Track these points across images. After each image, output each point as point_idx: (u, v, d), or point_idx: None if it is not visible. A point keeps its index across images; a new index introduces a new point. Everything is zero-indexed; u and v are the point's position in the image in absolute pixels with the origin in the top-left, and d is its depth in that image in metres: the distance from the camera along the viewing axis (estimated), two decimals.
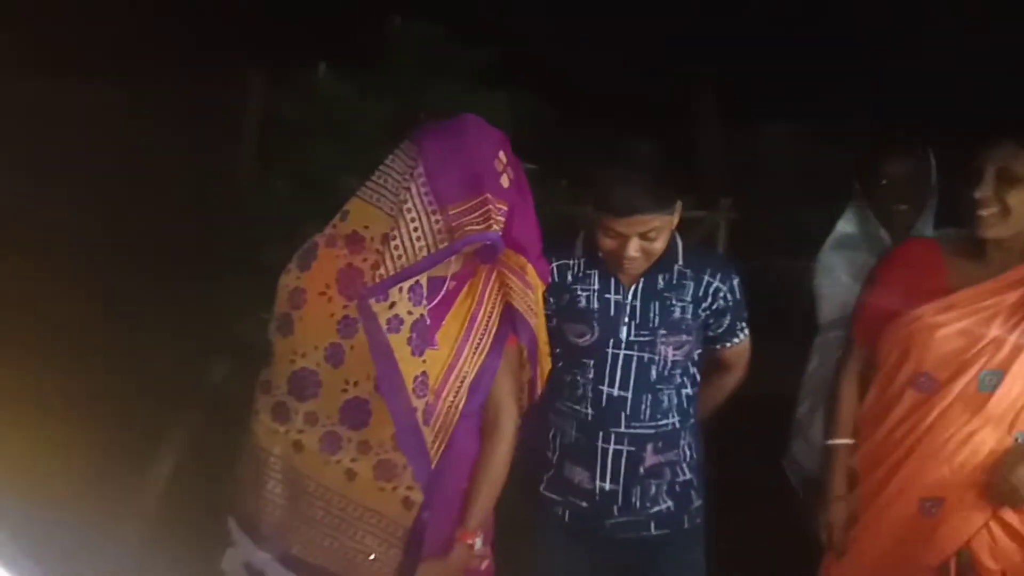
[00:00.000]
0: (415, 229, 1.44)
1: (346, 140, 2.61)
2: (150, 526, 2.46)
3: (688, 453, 1.82)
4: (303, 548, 1.50)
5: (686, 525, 1.82)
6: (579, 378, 1.76)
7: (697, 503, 1.84)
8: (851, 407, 1.80)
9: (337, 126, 2.64)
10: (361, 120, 2.64)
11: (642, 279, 1.76)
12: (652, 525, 1.78)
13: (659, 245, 1.69)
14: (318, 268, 1.49)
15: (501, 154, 1.49)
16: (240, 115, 3.21)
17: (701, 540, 1.86)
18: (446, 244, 1.43)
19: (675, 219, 1.70)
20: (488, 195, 1.44)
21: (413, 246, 1.43)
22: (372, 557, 1.50)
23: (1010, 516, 1.66)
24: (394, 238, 1.44)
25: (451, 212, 1.43)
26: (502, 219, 1.47)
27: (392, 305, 1.44)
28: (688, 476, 1.82)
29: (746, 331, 1.86)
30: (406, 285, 1.45)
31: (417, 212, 1.44)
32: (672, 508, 1.79)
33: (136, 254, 2.81)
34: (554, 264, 1.79)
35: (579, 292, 1.77)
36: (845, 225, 2.09)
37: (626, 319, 1.75)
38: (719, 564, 1.90)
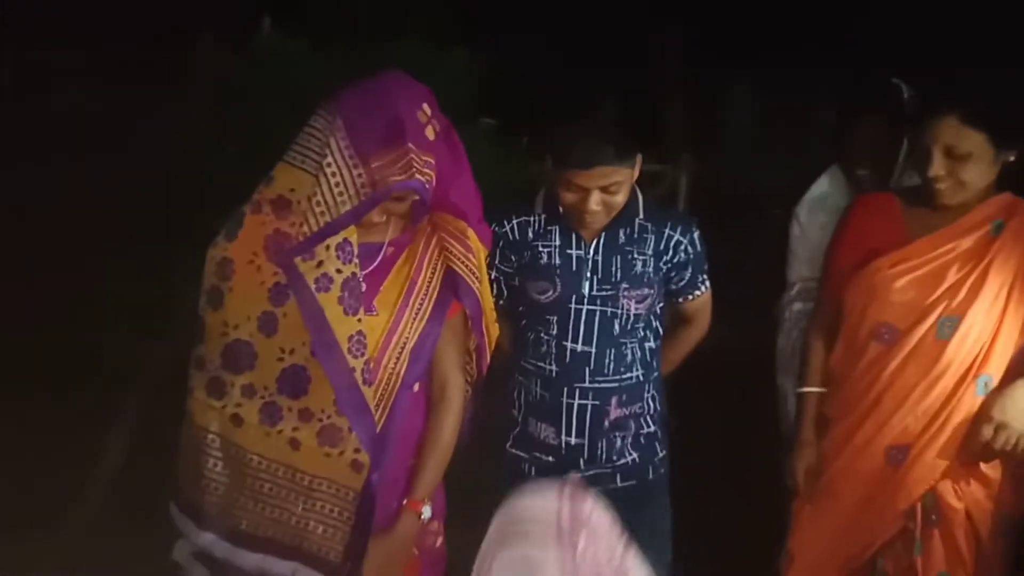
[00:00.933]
0: (336, 184, 1.39)
1: (298, 102, 2.54)
2: (98, 516, 2.43)
3: (652, 405, 1.83)
4: (251, 523, 1.48)
5: (651, 476, 1.83)
6: (542, 335, 1.76)
7: (661, 454, 1.86)
8: (820, 357, 1.83)
9: (287, 87, 2.54)
10: (312, 80, 2.56)
11: (603, 233, 1.74)
12: (618, 477, 1.80)
13: (620, 199, 1.67)
14: (244, 236, 1.44)
15: (425, 106, 1.44)
16: (189, 77, 3.08)
17: (666, 490, 1.88)
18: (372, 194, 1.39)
19: (636, 172, 1.68)
20: (410, 145, 1.39)
21: (335, 201, 1.39)
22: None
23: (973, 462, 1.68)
24: (315, 194, 1.39)
25: (373, 165, 1.38)
26: (429, 172, 1.43)
27: (319, 264, 1.40)
28: (652, 428, 1.83)
29: (707, 284, 1.86)
30: (333, 243, 1.40)
31: (338, 167, 1.39)
32: (637, 460, 1.81)
33: (80, 221, 2.70)
34: (515, 221, 1.77)
35: (540, 249, 1.76)
36: (820, 185, 2.09)
37: (588, 274, 1.74)
38: (684, 512, 1.91)
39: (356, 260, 1.43)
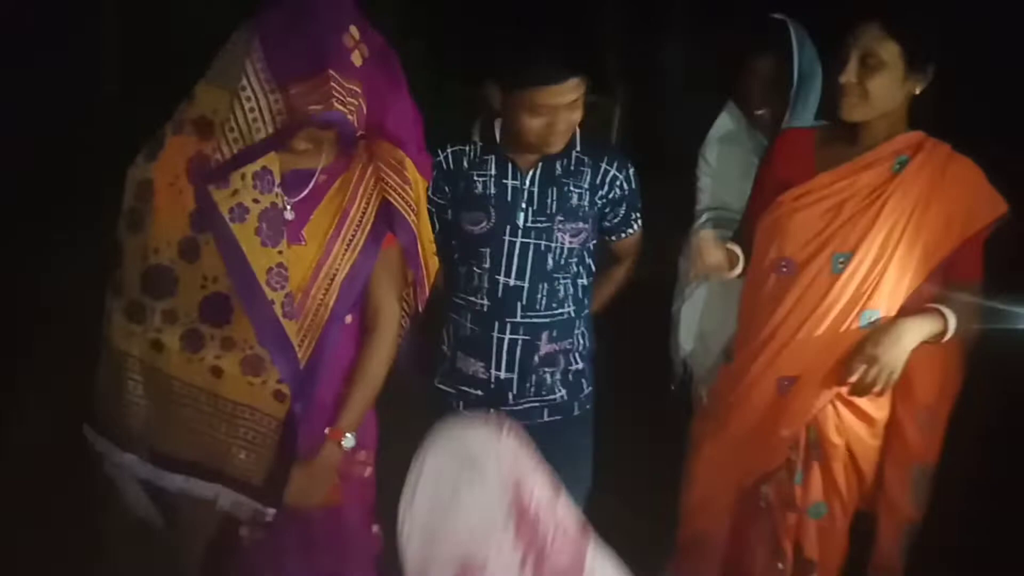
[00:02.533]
0: (251, 110, 1.33)
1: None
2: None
3: (582, 342, 1.86)
4: (173, 446, 1.47)
5: (576, 412, 1.87)
6: (475, 269, 1.75)
7: (588, 390, 1.90)
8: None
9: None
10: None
11: (540, 164, 1.73)
12: (545, 412, 1.83)
13: (578, 116, 1.64)
14: (166, 158, 1.38)
15: (353, 29, 1.37)
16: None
17: (590, 425, 1.93)
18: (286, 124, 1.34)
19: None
20: (331, 72, 1.33)
21: (250, 128, 1.33)
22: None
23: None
24: (229, 119, 1.33)
25: (292, 91, 1.32)
26: (353, 101, 1.37)
27: (235, 193, 1.35)
28: (581, 365, 1.86)
29: (639, 222, 1.86)
30: (249, 171, 1.35)
31: (253, 91, 1.32)
32: (565, 396, 1.84)
33: None
34: (449, 150, 1.74)
35: (475, 178, 1.73)
36: (724, 121, 2.10)
37: (523, 204, 1.72)
38: (605, 446, 1.98)
39: (278, 190, 1.39)
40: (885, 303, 1.70)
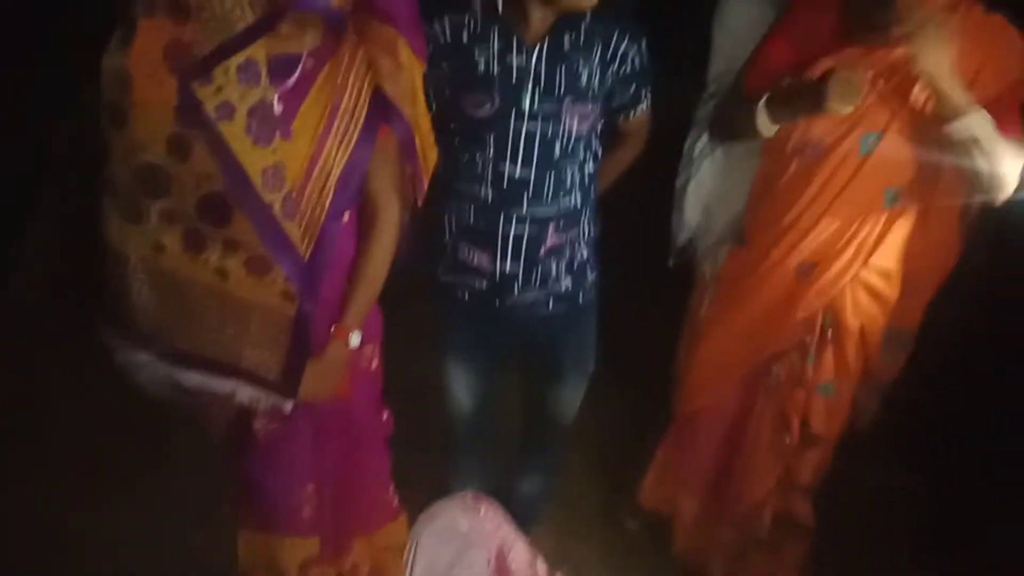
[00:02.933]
0: None
1: None
2: None
3: (587, 230, 1.81)
4: (187, 343, 1.47)
5: (581, 300, 1.86)
6: (477, 156, 1.65)
7: (592, 277, 1.87)
8: (750, 107, 1.68)
9: None
10: None
11: (547, 37, 1.59)
12: (551, 302, 1.82)
13: None
14: (140, 46, 1.25)
15: None
16: None
17: (594, 312, 1.93)
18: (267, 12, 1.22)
19: None
20: None
21: (227, 16, 1.21)
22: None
23: (870, 277, 1.77)
24: (204, 7, 1.20)
25: None
26: None
27: (219, 89, 1.25)
28: (586, 254, 1.83)
29: (650, 99, 1.75)
30: (233, 65, 1.24)
31: None
32: (570, 286, 1.82)
33: None
34: (447, 19, 1.59)
35: (477, 55, 1.59)
36: None
37: (529, 85, 1.60)
38: (610, 332, 2.00)
39: (266, 82, 1.28)
40: (904, 177, 1.64)
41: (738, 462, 1.96)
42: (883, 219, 1.69)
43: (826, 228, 1.69)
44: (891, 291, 1.78)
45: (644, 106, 1.75)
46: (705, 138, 1.93)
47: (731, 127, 1.80)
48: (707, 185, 1.96)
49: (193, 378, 1.48)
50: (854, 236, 1.69)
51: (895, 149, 1.62)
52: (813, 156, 1.66)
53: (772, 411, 1.90)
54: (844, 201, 1.66)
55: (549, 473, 2.19)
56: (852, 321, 1.79)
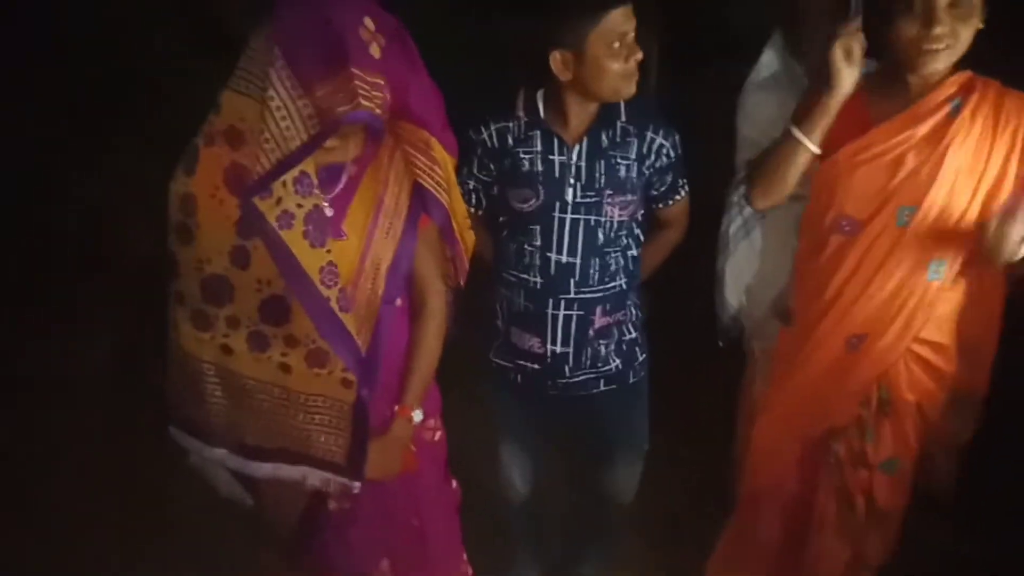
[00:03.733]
0: (283, 118, 1.33)
1: None
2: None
3: (634, 312, 1.88)
4: (257, 437, 1.57)
5: (631, 380, 1.90)
6: (525, 246, 1.76)
7: (641, 358, 1.91)
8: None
9: None
10: None
11: (586, 138, 1.71)
12: (601, 382, 1.88)
13: (640, 53, 1.65)
14: (203, 171, 1.40)
15: (367, 21, 1.35)
16: None
17: (645, 392, 1.97)
18: (319, 129, 1.34)
19: None
20: (354, 70, 1.32)
21: (284, 136, 1.34)
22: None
23: (922, 350, 1.74)
24: (263, 131, 1.34)
25: (318, 94, 1.32)
26: (379, 95, 1.37)
27: (279, 201, 1.37)
28: (634, 334, 1.89)
29: (686, 188, 1.85)
30: (289, 178, 1.37)
31: (282, 100, 1.33)
32: (620, 366, 1.86)
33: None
34: (493, 127, 1.74)
35: (521, 155, 1.72)
36: (764, 65, 1.94)
37: (571, 180, 1.72)
38: (661, 410, 2.02)
39: (316, 191, 1.41)
40: (952, 251, 1.65)
41: (805, 543, 1.91)
42: (930, 290, 1.68)
43: (871, 300, 1.68)
44: (946, 365, 1.75)
45: (681, 195, 1.84)
46: (740, 220, 1.96)
47: (772, 168, 1.71)
48: (745, 266, 1.98)
49: (265, 468, 1.56)
50: (902, 307, 1.68)
51: (932, 222, 1.63)
52: (850, 231, 1.67)
53: (835, 490, 1.85)
54: (887, 274, 1.67)
55: (608, 558, 2.19)
56: (908, 395, 1.76)
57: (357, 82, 1.33)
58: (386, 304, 1.54)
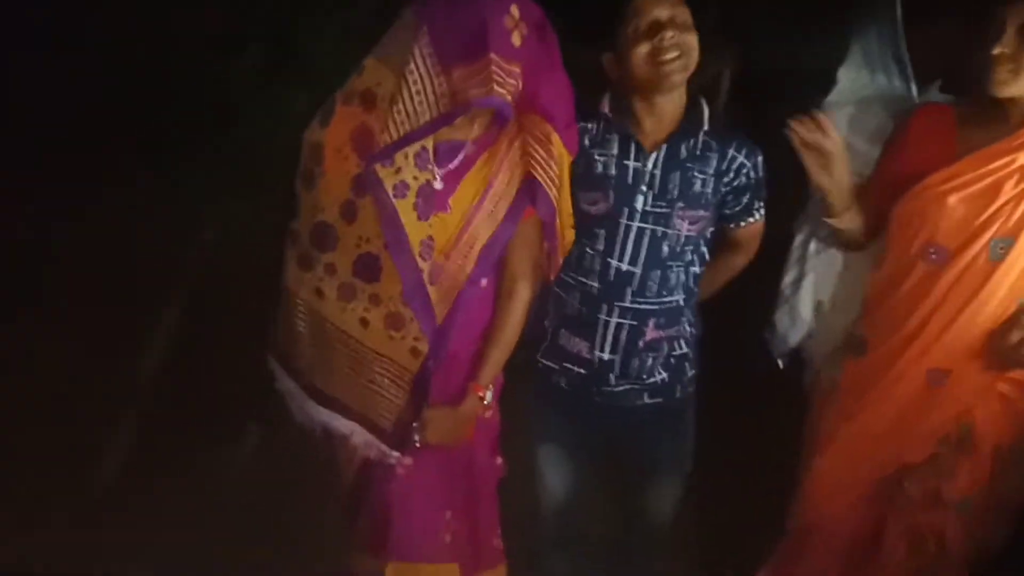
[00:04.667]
0: (417, 92, 1.41)
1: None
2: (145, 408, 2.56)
3: (688, 328, 1.83)
4: (323, 380, 1.66)
5: (678, 395, 1.86)
6: (588, 249, 1.75)
7: (690, 374, 1.87)
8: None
9: None
10: None
11: (664, 146, 1.69)
12: (646, 395, 1.83)
13: (692, 39, 1.61)
14: (335, 126, 1.51)
15: (513, 9, 1.40)
16: None
17: (691, 408, 1.90)
18: (450, 108, 1.40)
19: (696, 47, 1.62)
20: (493, 55, 1.37)
21: (416, 110, 1.41)
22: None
23: (1007, 388, 1.67)
24: (397, 102, 1.41)
25: (455, 75, 1.38)
26: (513, 82, 1.41)
27: (398, 171, 1.45)
28: (685, 350, 1.84)
29: (762, 212, 1.80)
30: (411, 151, 1.44)
31: (420, 75, 1.40)
32: (666, 379, 1.83)
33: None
34: None
35: (596, 157, 1.71)
36: (850, 79, 1.86)
37: (644, 188, 1.70)
38: (709, 429, 1.96)
39: (432, 166, 1.48)
40: None
41: None
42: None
43: (958, 335, 1.63)
44: None
45: (756, 218, 1.80)
46: (817, 236, 1.89)
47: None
48: (822, 284, 1.90)
49: (321, 413, 1.66)
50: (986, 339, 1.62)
51: None
52: (939, 260, 1.63)
53: (905, 530, 1.76)
54: (977, 308, 1.62)
55: None
56: (990, 434, 1.69)
57: (495, 68, 1.38)
58: (471, 283, 1.59)
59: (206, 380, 2.43)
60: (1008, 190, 1.59)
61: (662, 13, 1.59)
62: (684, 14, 1.61)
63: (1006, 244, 1.60)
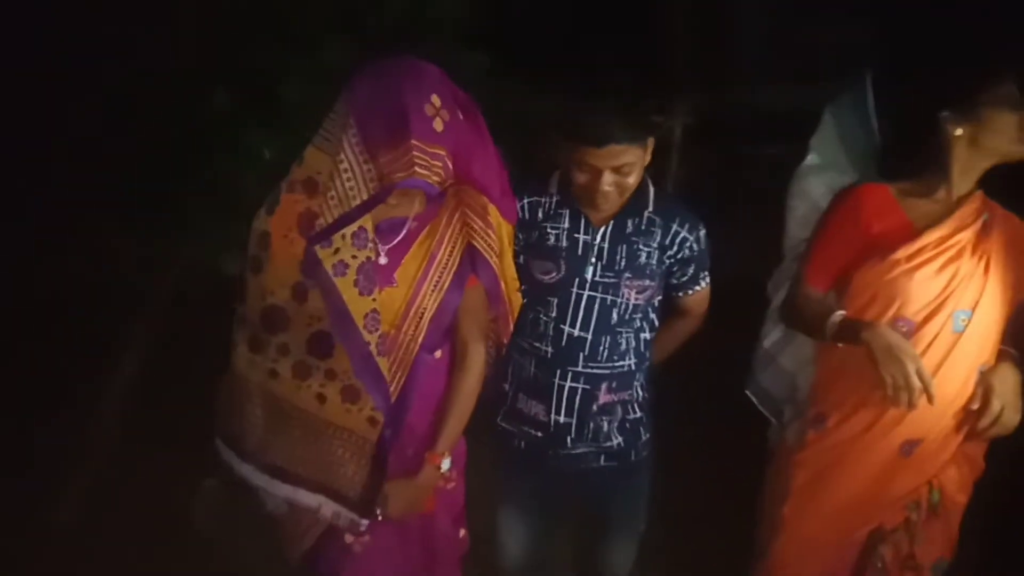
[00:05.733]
0: (349, 179, 1.50)
1: (291, 39, 2.23)
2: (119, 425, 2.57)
3: (640, 393, 1.89)
4: (284, 460, 1.67)
5: (633, 458, 1.91)
6: (542, 316, 1.82)
7: (645, 438, 1.92)
8: (820, 306, 1.75)
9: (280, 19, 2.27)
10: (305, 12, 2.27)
11: (612, 222, 1.79)
12: (602, 458, 1.88)
13: (632, 181, 1.70)
14: (280, 213, 1.57)
15: (434, 98, 1.50)
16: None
17: (647, 472, 1.96)
18: (376, 192, 1.49)
19: (647, 154, 1.70)
20: (414, 142, 1.47)
21: (347, 194, 1.50)
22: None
23: (970, 448, 1.75)
24: (329, 188, 1.50)
25: (381, 160, 1.48)
26: (438, 164, 1.51)
27: (336, 251, 1.52)
28: (639, 414, 1.89)
29: (707, 280, 1.89)
30: (348, 232, 1.52)
31: (350, 163, 1.49)
32: (622, 444, 1.88)
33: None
34: (526, 200, 1.82)
35: (548, 230, 1.80)
36: (824, 148, 1.94)
37: (593, 259, 1.78)
38: (666, 493, 2.03)
39: (371, 245, 1.55)
40: (992, 354, 1.70)
41: None
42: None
43: (929, 406, 1.63)
44: (981, 457, 1.74)
45: (702, 286, 1.88)
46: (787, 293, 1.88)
47: (801, 322, 1.82)
48: (806, 341, 1.89)
49: (284, 489, 1.66)
50: (956, 411, 1.69)
51: (984, 326, 1.67)
52: (906, 333, 1.67)
53: None
54: (944, 377, 1.66)
55: None
56: (959, 496, 1.75)
57: (416, 153, 1.47)
58: (424, 352, 1.65)
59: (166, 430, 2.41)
60: (964, 264, 1.66)
61: (604, 163, 1.64)
62: (631, 158, 1.64)
63: (967, 316, 1.66)
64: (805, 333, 1.85)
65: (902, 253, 1.68)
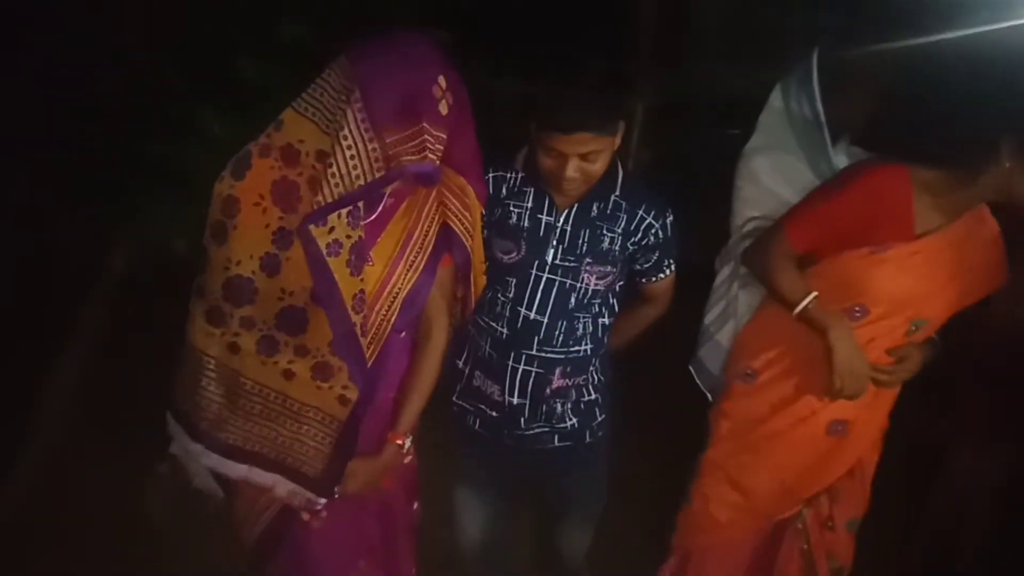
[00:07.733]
0: (351, 157, 1.43)
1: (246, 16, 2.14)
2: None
3: (595, 376, 1.88)
4: (240, 438, 1.60)
5: (588, 439, 1.91)
6: (500, 296, 1.80)
7: (600, 418, 1.91)
8: (795, 274, 1.76)
9: None
10: None
11: (576, 204, 1.76)
12: (556, 438, 1.88)
13: (599, 167, 1.67)
14: (252, 178, 1.47)
15: (441, 79, 1.45)
16: None
17: (603, 451, 1.96)
18: (382, 172, 1.43)
19: (616, 141, 1.68)
20: (425, 124, 1.43)
21: (350, 174, 1.43)
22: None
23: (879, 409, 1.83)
24: (331, 165, 1.42)
25: (388, 140, 1.42)
26: (440, 148, 1.47)
27: (331, 230, 1.46)
28: (594, 396, 1.89)
29: (672, 268, 1.87)
30: (344, 211, 1.46)
31: (354, 140, 1.42)
32: (576, 425, 1.87)
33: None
34: (490, 175, 1.77)
35: (511, 208, 1.77)
36: (770, 126, 1.91)
37: (554, 242, 1.75)
38: (622, 471, 2.06)
39: (361, 224, 1.49)
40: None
41: None
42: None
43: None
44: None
45: (666, 273, 1.85)
46: (738, 275, 1.93)
47: (770, 279, 1.80)
48: (744, 319, 1.94)
49: (239, 469, 1.60)
50: (889, 396, 1.77)
51: (933, 328, 1.75)
52: (859, 318, 1.69)
53: (800, 552, 1.88)
54: (879, 363, 1.72)
55: None
56: (874, 455, 1.84)
57: (426, 136, 1.43)
58: (395, 333, 1.62)
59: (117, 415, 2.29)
60: (941, 271, 1.66)
61: (571, 149, 1.61)
62: (599, 146, 1.61)
63: (920, 325, 1.71)
64: (763, 284, 1.83)
65: (898, 250, 1.66)
